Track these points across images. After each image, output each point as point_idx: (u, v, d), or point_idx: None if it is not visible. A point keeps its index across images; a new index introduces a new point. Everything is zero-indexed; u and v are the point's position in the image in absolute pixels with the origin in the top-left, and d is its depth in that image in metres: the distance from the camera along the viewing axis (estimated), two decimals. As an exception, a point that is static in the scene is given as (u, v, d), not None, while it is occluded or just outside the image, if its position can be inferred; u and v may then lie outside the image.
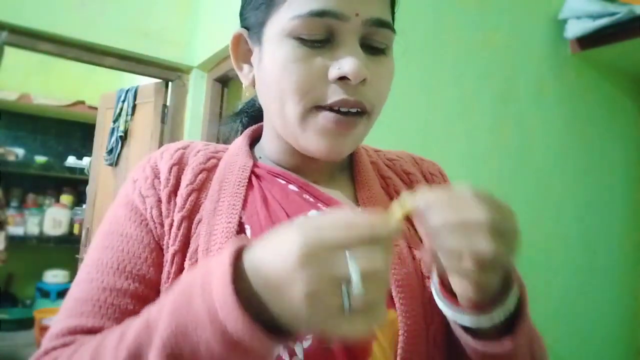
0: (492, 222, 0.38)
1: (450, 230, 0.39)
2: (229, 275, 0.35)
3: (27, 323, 3.38)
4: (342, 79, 0.50)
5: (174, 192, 0.55)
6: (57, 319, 0.51)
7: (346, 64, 0.49)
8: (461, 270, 0.40)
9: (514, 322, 0.46)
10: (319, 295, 0.34)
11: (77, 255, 2.82)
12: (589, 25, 1.69)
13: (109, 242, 0.53)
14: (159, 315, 0.39)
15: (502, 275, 0.44)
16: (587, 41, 1.76)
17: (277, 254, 0.35)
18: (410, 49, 1.39)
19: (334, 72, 0.50)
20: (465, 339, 0.47)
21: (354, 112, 0.52)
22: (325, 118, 0.51)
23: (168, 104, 2.44)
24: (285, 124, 0.54)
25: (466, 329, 0.47)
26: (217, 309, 0.35)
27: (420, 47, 1.44)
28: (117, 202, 0.57)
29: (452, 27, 1.52)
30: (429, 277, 0.54)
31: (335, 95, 0.51)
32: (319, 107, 0.52)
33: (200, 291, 0.37)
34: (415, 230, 0.58)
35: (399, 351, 0.48)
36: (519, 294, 0.46)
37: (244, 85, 0.61)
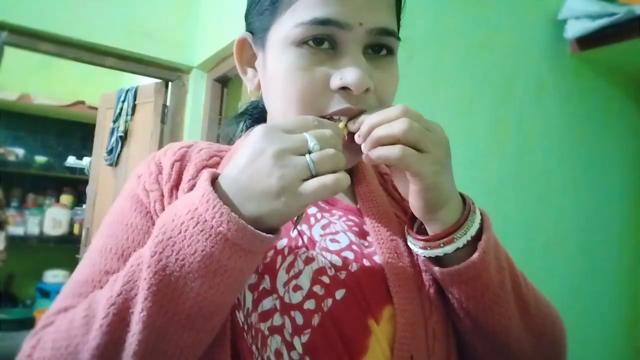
0: (407, 111, 0.47)
1: (376, 127, 0.47)
2: (207, 182, 0.41)
3: (27, 323, 3.37)
4: (345, 88, 0.50)
5: (175, 186, 0.55)
6: (57, 298, 0.51)
7: (349, 74, 0.49)
8: (393, 156, 0.45)
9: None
10: (284, 160, 0.40)
11: (77, 255, 2.82)
12: (588, 26, 1.69)
13: (113, 231, 0.54)
14: (148, 242, 0.43)
15: (460, 204, 0.51)
16: (586, 41, 1.76)
17: (244, 149, 0.42)
18: (410, 49, 1.39)
19: (336, 82, 0.50)
20: (439, 273, 0.51)
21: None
22: None
23: (168, 104, 2.44)
24: None
25: (438, 264, 0.51)
26: (197, 207, 0.40)
27: (420, 47, 1.44)
28: (122, 196, 0.58)
29: (452, 27, 1.52)
30: (426, 271, 0.54)
31: (337, 104, 0.51)
32: (322, 117, 0.51)
33: (182, 205, 0.42)
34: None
35: (396, 346, 0.49)
36: (481, 223, 0.51)
37: (249, 90, 0.61)
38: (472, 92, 1.57)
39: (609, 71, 2.00)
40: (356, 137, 0.49)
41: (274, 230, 0.42)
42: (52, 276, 3.68)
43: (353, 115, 0.51)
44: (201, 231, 0.39)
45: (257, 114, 0.70)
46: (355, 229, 0.56)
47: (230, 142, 0.68)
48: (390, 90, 0.55)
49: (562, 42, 1.81)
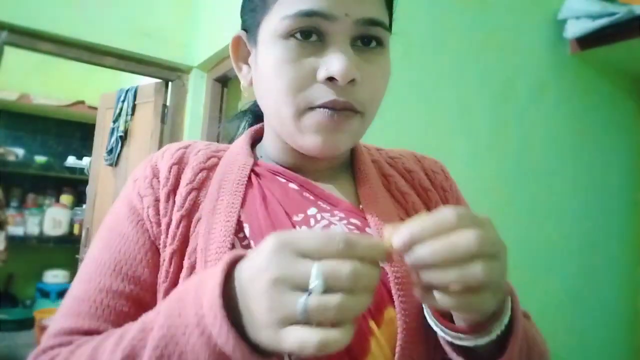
0: (482, 244, 0.36)
1: (440, 261, 0.37)
2: (219, 285, 0.37)
3: (27, 323, 3.37)
4: (331, 79, 0.50)
5: (173, 191, 0.56)
6: (57, 316, 0.52)
7: (333, 64, 0.49)
8: (457, 307, 0.39)
9: (506, 332, 0.45)
10: (280, 291, 0.34)
11: (77, 255, 2.82)
12: (588, 26, 1.69)
13: (109, 240, 0.55)
14: (155, 319, 0.41)
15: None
16: (586, 41, 1.76)
17: (255, 254, 0.37)
18: (411, 49, 1.39)
19: (322, 73, 0.50)
20: (456, 358, 0.47)
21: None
22: (318, 115, 0.51)
23: (168, 104, 2.44)
24: (281, 124, 0.55)
25: (459, 348, 0.47)
26: (204, 315, 0.37)
27: (420, 47, 1.44)
28: (120, 198, 0.58)
29: (452, 27, 1.52)
30: None
31: (324, 96, 0.51)
32: (311, 108, 0.52)
33: (193, 299, 0.39)
34: None
35: (397, 349, 0.48)
36: (512, 306, 0.45)
37: (242, 86, 0.62)
38: (472, 92, 1.57)
39: (609, 71, 2.00)
40: (409, 262, 0.38)
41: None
42: (52, 276, 3.68)
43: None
44: (205, 344, 0.38)
45: (258, 113, 0.71)
46: (357, 231, 0.55)
47: (232, 140, 0.68)
48: (379, 83, 0.54)
49: (562, 42, 1.81)
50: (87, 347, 0.45)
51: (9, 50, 2.11)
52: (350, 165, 0.64)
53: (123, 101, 2.61)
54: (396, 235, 0.38)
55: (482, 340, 0.43)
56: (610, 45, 1.72)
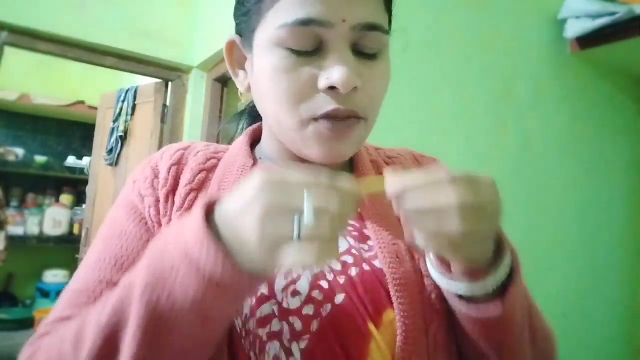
0: (463, 203, 0.39)
1: (422, 214, 0.41)
2: (201, 217, 0.38)
3: (27, 323, 3.37)
4: (333, 88, 0.49)
5: (172, 191, 0.55)
6: (54, 309, 0.52)
7: (335, 73, 0.48)
8: (438, 250, 0.43)
9: (507, 289, 0.47)
10: (272, 219, 0.36)
11: (77, 255, 2.82)
12: (588, 25, 1.69)
13: (108, 244, 0.54)
14: (138, 271, 0.41)
15: (493, 244, 0.46)
16: (586, 41, 1.76)
17: (241, 190, 0.38)
18: (410, 49, 1.39)
19: (323, 82, 0.49)
20: (459, 307, 0.48)
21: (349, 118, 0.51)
22: (321, 126, 0.51)
23: (168, 104, 2.44)
24: (283, 133, 0.54)
25: (460, 298, 0.48)
26: (190, 247, 0.38)
27: (420, 47, 1.44)
28: (117, 204, 0.58)
29: (452, 27, 1.52)
30: (428, 276, 0.53)
31: (327, 105, 0.50)
32: (315, 119, 0.51)
33: (175, 237, 0.40)
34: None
35: (397, 351, 0.48)
36: (512, 262, 0.47)
37: (239, 92, 0.61)
38: (472, 92, 1.57)
39: (609, 70, 2.00)
40: (399, 210, 0.43)
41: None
42: (52, 276, 3.68)
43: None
44: (194, 274, 0.38)
45: (256, 113, 0.70)
46: (355, 233, 0.55)
47: (231, 140, 0.68)
48: (380, 87, 0.54)
49: (562, 41, 1.81)
50: (77, 319, 0.46)
51: (9, 50, 2.11)
52: (349, 166, 0.64)
53: (123, 101, 2.61)
54: (389, 183, 0.42)
55: (477, 290, 0.46)
56: (610, 45, 1.72)
